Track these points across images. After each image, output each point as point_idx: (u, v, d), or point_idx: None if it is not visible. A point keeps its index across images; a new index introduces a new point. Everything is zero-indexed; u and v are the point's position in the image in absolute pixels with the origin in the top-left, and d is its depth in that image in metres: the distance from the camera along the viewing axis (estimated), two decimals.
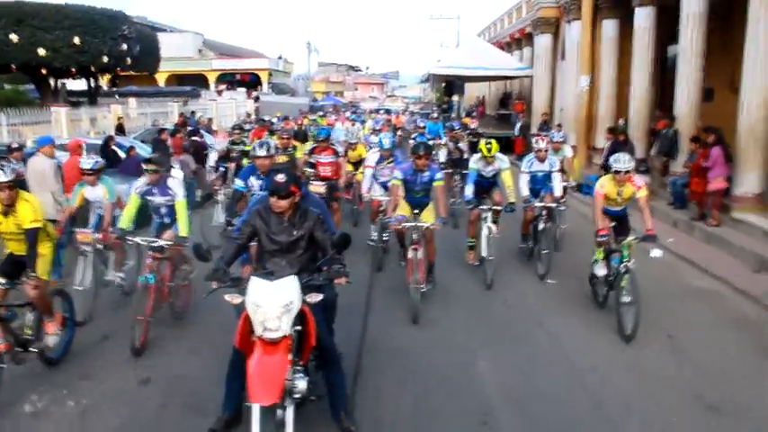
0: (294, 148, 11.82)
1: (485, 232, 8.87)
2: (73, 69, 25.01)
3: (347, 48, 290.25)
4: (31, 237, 5.78)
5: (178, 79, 56.44)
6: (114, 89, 38.17)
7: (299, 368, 4.32)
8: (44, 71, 25.15)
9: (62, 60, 23.96)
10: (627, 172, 6.95)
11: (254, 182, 7.30)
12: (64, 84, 26.97)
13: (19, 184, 6.00)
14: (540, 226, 9.00)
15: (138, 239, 6.76)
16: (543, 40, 23.98)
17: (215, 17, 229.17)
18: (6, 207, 5.75)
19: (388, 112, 35.57)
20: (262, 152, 6.93)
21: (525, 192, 9.01)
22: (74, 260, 7.38)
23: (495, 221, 8.96)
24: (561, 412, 5.31)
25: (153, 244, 6.63)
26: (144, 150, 14.01)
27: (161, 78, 52.33)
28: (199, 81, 54.49)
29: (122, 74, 33.44)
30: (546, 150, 9.25)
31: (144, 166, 6.88)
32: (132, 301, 6.43)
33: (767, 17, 10.63)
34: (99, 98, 30.31)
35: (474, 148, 12.18)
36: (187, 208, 7.00)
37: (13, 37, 22.51)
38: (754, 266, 9.37)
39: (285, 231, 4.73)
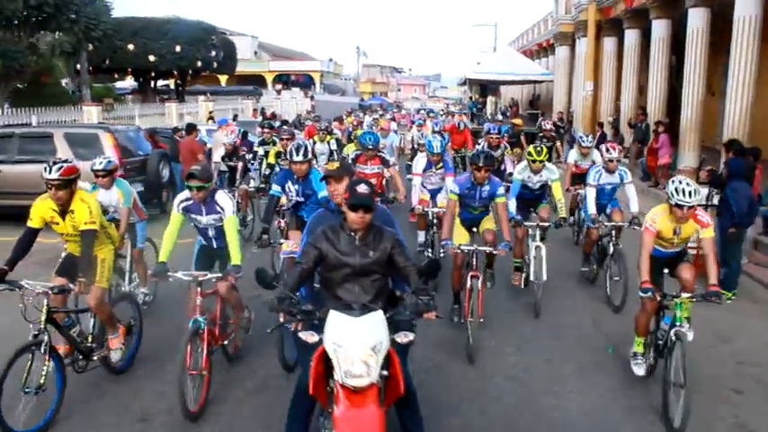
0: None
1: (532, 253, 7.85)
2: (174, 72, 30.50)
3: (391, 50, 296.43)
4: (86, 239, 5.45)
5: (237, 79, 61.76)
6: (181, 88, 43.96)
7: None
8: (152, 74, 30.70)
9: (166, 65, 29.58)
10: (691, 207, 5.23)
11: (291, 187, 6.89)
12: (179, 84, 32.57)
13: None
14: (610, 249, 8.00)
15: (180, 275, 5.52)
16: (562, 51, 28.58)
17: (266, 20, 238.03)
18: (62, 207, 5.46)
19: (429, 112, 39.85)
20: (299, 157, 6.56)
21: (592, 209, 8.07)
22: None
23: (542, 238, 7.99)
24: None
25: (200, 279, 5.47)
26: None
27: (222, 79, 57.87)
28: (256, 81, 59.58)
29: (202, 74, 38.95)
30: (618, 161, 8.23)
31: (187, 183, 5.76)
32: (179, 351, 5.07)
33: (699, 46, 15.29)
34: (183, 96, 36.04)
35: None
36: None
37: (130, 46, 27.96)
38: None
39: (358, 252, 4.11)
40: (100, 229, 5.65)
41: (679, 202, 5.18)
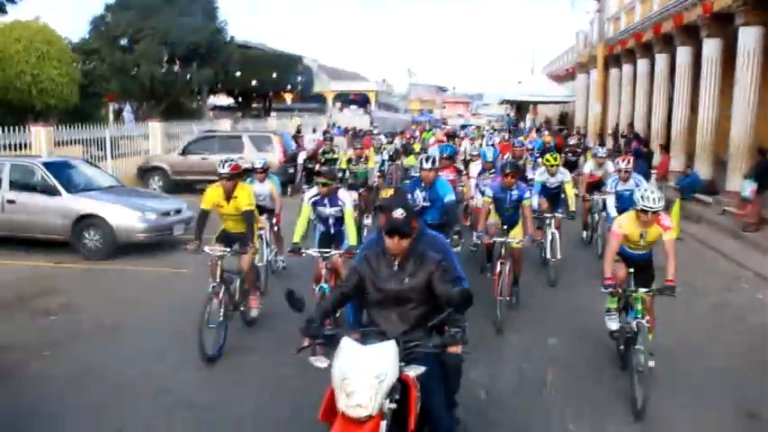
0: (366, 159, 12.54)
1: (548, 237, 9.57)
2: (271, 94, 38.38)
3: (437, 70, 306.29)
4: (249, 217, 6.98)
5: (301, 98, 69.50)
6: (269, 105, 51.70)
7: None
8: (254, 94, 38.69)
9: (265, 88, 37.44)
10: (656, 212, 5.61)
11: (419, 194, 7.56)
12: (270, 102, 40.53)
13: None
14: None
15: (311, 251, 6.84)
16: (581, 77, 35.41)
17: (320, 42, 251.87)
18: (227, 194, 6.90)
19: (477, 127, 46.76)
20: (428, 165, 7.42)
21: (614, 213, 8.38)
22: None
23: (557, 228, 9.74)
24: None
25: (326, 255, 6.75)
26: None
27: (287, 97, 65.71)
28: (316, 99, 67.00)
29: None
30: (627, 171, 9.07)
31: (315, 179, 7.09)
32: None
33: (662, 81, 22.03)
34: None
35: (572, 166, 13.02)
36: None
37: (238, 73, 35.75)
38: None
39: (394, 278, 4.00)
40: None
41: (644, 208, 5.56)
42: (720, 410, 5.82)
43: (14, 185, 11.43)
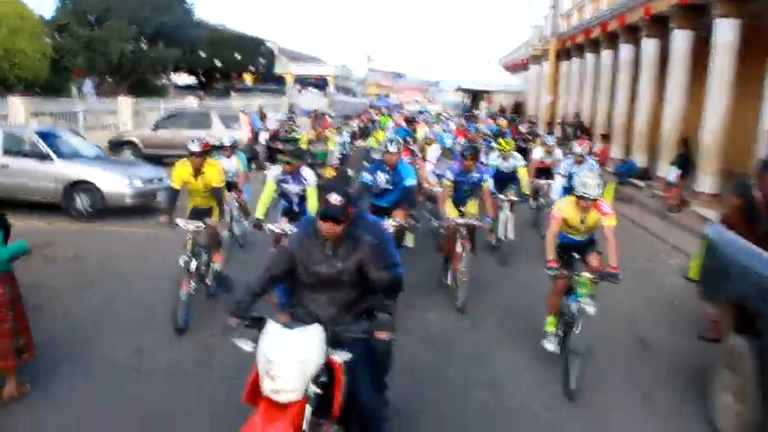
0: (326, 139, 12.62)
1: (503, 218, 9.96)
2: (233, 75, 39.12)
3: (395, 55, 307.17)
4: (218, 193, 7.25)
5: (262, 79, 69.97)
6: (216, 86, 52.55)
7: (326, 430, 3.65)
8: (218, 75, 39.39)
9: (229, 69, 38.13)
10: (595, 199, 5.71)
11: (381, 176, 7.73)
12: (234, 84, 41.19)
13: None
14: None
15: (272, 226, 7.06)
16: (534, 68, 37.11)
17: (280, 25, 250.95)
18: (196, 170, 7.08)
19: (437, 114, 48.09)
20: (393, 148, 7.58)
21: (556, 196, 8.97)
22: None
23: (510, 209, 10.14)
24: None
25: (287, 230, 6.88)
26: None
27: (248, 78, 66.14)
28: (275, 81, 67.71)
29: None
30: (582, 155, 9.58)
31: (279, 157, 7.24)
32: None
33: (606, 74, 23.69)
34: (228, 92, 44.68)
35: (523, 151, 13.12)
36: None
37: (202, 53, 36.44)
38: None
39: (325, 262, 3.93)
40: None
41: (583, 195, 5.66)
42: (619, 339, 7.31)
43: (8, 152, 12.30)
